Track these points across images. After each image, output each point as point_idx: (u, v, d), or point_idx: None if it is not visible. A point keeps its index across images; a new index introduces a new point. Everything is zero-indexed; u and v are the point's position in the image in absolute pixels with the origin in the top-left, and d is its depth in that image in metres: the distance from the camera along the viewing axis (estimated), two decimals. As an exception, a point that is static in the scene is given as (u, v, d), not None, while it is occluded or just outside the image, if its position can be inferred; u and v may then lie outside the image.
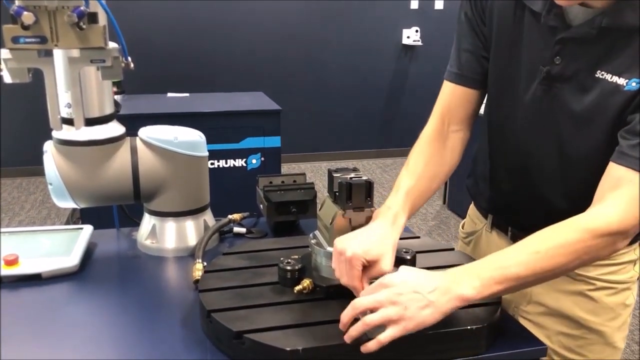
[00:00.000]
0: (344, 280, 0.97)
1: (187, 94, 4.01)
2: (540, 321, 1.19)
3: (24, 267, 1.18)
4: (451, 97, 1.21)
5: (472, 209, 1.39)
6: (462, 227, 1.44)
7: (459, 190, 4.30)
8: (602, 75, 0.98)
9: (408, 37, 5.80)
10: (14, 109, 4.99)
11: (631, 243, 1.15)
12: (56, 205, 1.27)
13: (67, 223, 3.72)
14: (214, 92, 4.47)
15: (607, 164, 0.97)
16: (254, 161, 3.46)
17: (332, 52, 5.67)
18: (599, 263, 1.14)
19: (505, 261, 0.91)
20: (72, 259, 1.22)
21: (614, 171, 0.95)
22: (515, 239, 1.19)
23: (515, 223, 1.22)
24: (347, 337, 0.85)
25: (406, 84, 5.99)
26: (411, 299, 0.84)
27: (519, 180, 1.17)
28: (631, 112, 0.96)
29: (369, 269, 0.96)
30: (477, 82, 1.19)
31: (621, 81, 0.96)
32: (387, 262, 0.97)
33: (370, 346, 0.84)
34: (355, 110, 5.86)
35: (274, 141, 3.47)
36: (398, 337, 0.84)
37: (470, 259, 1.18)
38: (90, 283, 1.20)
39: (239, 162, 3.45)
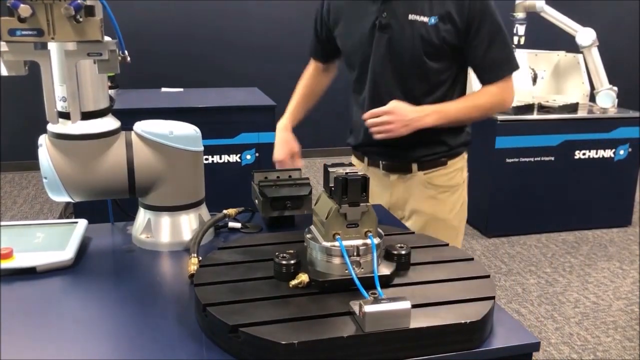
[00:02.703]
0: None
1: (181, 89, 4.01)
2: (411, 217, 1.79)
3: (19, 261, 1.18)
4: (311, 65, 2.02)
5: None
6: None
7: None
8: (414, 17, 1.58)
9: (403, 34, 5.80)
10: (4, 103, 4.96)
11: (458, 154, 1.77)
12: (49, 200, 1.28)
13: (60, 218, 3.71)
14: (208, 87, 4.47)
15: (423, 78, 1.65)
16: (248, 157, 3.46)
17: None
18: (442, 173, 1.75)
19: (453, 109, 1.65)
20: (66, 253, 1.22)
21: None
22: (386, 169, 1.79)
23: (384, 155, 1.78)
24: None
25: (401, 80, 5.99)
26: (408, 115, 1.59)
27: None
28: (444, 50, 1.61)
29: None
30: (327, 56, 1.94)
31: (426, 19, 1.58)
32: (296, 148, 1.92)
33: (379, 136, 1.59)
34: (349, 106, 5.85)
35: (269, 137, 3.46)
36: (404, 134, 1.59)
37: (465, 254, 1.19)
38: (86, 277, 1.19)
39: (234, 158, 3.45)
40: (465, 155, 1.82)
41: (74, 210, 3.36)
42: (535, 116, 3.94)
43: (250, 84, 4.49)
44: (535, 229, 4.07)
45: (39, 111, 1.08)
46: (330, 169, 1.04)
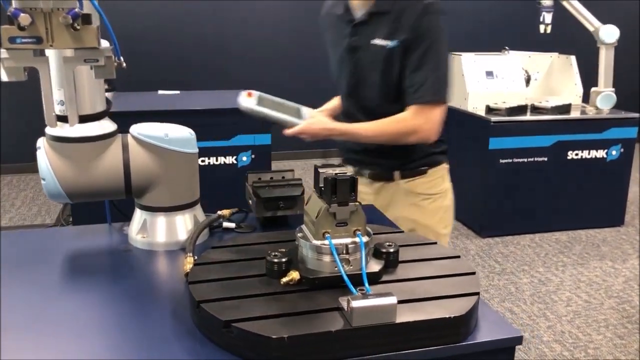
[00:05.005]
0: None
1: (177, 92, 4.03)
2: (397, 222, 1.66)
3: None
4: None
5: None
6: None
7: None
8: (375, 42, 1.69)
9: (398, 36, 5.82)
10: (4, 107, 4.98)
11: (437, 163, 1.85)
12: (47, 202, 1.32)
13: (58, 220, 3.73)
14: (204, 89, 4.49)
15: (385, 98, 1.74)
16: (244, 158, 3.49)
17: (321, 50, 5.68)
18: (423, 181, 1.83)
19: (362, 133, 1.72)
20: None
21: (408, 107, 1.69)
22: (371, 177, 1.89)
23: (368, 164, 1.89)
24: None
25: (396, 82, 6.01)
26: (318, 136, 1.70)
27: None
28: (400, 71, 1.68)
29: None
30: None
31: (386, 43, 1.67)
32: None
33: (288, 132, 1.67)
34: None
35: (265, 139, 3.49)
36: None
37: (454, 252, 1.22)
38: (82, 276, 1.22)
39: (230, 160, 3.47)
40: (445, 165, 1.88)
41: (71, 213, 3.39)
42: (528, 117, 3.98)
43: (247, 86, 4.51)
44: (529, 229, 4.10)
45: (37, 115, 1.11)
46: (321, 170, 1.08)
